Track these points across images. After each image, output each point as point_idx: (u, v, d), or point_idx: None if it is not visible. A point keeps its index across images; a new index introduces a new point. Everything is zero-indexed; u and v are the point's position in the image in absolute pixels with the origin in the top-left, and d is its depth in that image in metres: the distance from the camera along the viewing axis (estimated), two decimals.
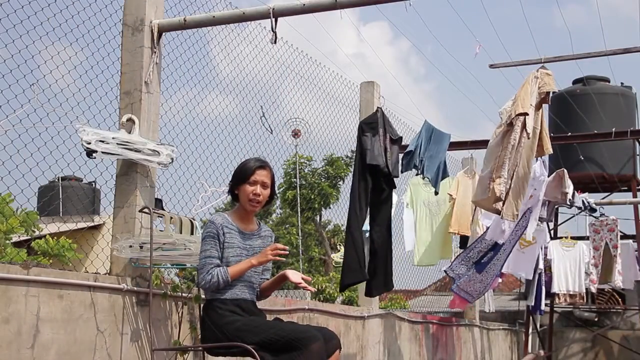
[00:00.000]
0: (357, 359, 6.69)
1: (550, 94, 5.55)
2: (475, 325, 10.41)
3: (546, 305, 9.94)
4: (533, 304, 9.39)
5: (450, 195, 7.84)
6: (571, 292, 9.90)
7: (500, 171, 5.14)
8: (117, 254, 4.07)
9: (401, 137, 5.93)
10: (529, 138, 5.36)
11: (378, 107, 5.96)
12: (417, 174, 6.75)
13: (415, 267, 9.15)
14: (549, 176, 8.22)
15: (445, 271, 7.85)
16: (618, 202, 11.12)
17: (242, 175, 3.81)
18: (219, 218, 3.80)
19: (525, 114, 5.19)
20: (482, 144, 8.59)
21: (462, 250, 8.60)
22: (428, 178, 6.71)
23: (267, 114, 6.26)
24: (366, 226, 6.88)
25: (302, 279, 3.77)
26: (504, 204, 5.30)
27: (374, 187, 5.62)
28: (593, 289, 9.95)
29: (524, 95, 5.25)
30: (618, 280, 9.79)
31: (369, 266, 5.73)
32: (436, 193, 7.28)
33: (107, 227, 8.09)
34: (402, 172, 6.77)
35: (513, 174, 5.26)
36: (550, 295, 9.90)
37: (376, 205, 5.68)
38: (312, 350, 3.43)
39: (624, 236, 11.72)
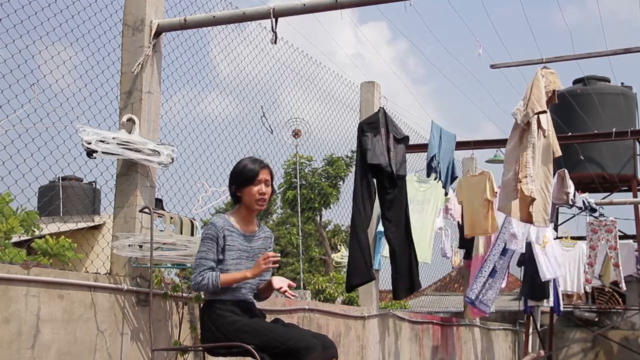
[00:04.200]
0: (357, 359, 6.68)
1: (556, 92, 5.57)
2: (476, 325, 10.41)
3: (547, 305, 9.94)
4: (553, 305, 9.37)
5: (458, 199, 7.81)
6: (569, 292, 9.90)
7: (525, 171, 5.11)
8: (116, 252, 4.07)
9: (407, 137, 5.92)
10: (545, 136, 5.36)
11: (380, 107, 5.96)
12: (435, 178, 6.74)
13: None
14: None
15: (467, 299, 7.87)
16: (618, 202, 11.13)
17: (246, 178, 3.80)
18: (220, 221, 3.79)
19: (544, 111, 5.20)
20: (485, 144, 8.60)
21: (466, 258, 8.66)
22: (442, 181, 6.72)
23: (267, 114, 6.26)
24: (380, 227, 6.91)
25: (289, 285, 3.79)
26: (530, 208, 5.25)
27: (380, 186, 5.61)
28: (587, 288, 9.95)
29: (537, 93, 5.24)
30: (614, 275, 9.79)
31: (392, 268, 5.71)
32: (446, 194, 7.25)
33: (107, 227, 8.09)
34: (427, 176, 6.80)
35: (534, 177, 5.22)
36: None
37: (386, 206, 5.65)
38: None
39: (624, 236, 11.72)
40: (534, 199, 5.13)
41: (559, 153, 5.67)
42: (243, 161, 3.91)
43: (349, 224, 5.85)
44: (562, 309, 9.66)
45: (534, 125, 5.18)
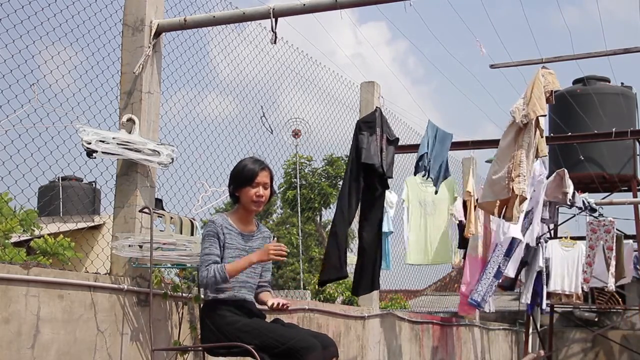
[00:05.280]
0: (358, 359, 6.68)
1: (554, 93, 5.57)
2: (476, 325, 10.41)
3: (547, 305, 9.92)
4: (529, 302, 9.39)
5: (469, 192, 7.81)
6: (567, 292, 9.89)
7: (518, 170, 5.10)
8: (116, 253, 4.07)
9: (398, 139, 5.92)
10: (542, 137, 5.36)
11: (377, 107, 5.95)
12: (423, 176, 6.75)
13: (416, 267, 9.14)
14: (549, 176, 8.23)
15: (473, 301, 7.81)
16: (618, 202, 11.11)
17: (244, 179, 3.81)
18: (219, 218, 3.81)
19: (544, 115, 5.21)
20: (484, 144, 8.59)
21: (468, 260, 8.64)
22: (431, 178, 6.71)
23: (267, 114, 6.26)
24: (386, 227, 6.91)
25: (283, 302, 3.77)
26: (506, 206, 5.25)
27: (367, 186, 5.59)
28: (585, 288, 9.94)
29: (538, 94, 5.24)
30: (611, 284, 9.77)
31: (357, 264, 5.71)
32: (436, 192, 7.26)
33: (107, 227, 8.09)
34: (414, 174, 6.80)
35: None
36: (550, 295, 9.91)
37: (368, 205, 5.64)
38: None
39: (624, 236, 11.69)
40: (525, 198, 5.14)
41: (543, 154, 5.67)
42: (244, 161, 3.91)
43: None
44: (544, 306, 9.67)
45: (532, 126, 5.19)
